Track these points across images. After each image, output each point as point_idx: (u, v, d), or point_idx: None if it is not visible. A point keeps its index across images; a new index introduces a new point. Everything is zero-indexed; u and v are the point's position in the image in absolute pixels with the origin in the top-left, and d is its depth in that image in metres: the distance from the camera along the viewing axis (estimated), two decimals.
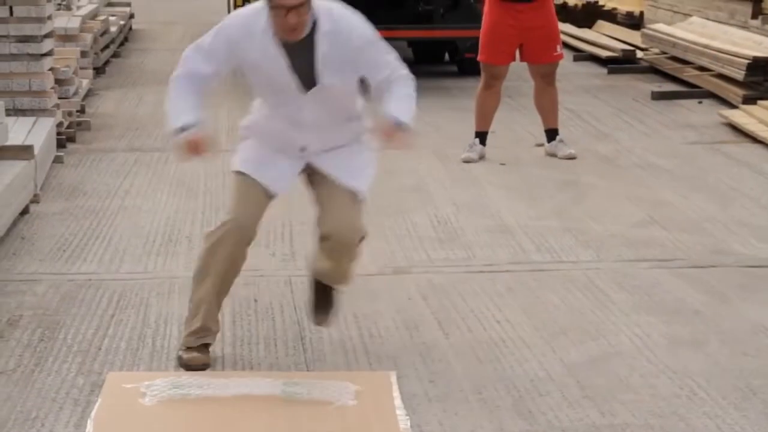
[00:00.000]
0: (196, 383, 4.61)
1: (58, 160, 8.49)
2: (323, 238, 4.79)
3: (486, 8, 8.85)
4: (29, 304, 5.62)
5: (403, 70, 4.74)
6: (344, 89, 4.72)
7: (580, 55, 13.61)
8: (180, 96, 4.70)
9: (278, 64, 4.62)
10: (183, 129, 4.62)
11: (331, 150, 4.81)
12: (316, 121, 4.75)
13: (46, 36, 8.85)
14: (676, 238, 6.73)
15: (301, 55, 4.62)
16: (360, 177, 4.82)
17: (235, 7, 12.10)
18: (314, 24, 4.58)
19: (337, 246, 4.77)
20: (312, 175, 4.87)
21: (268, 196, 4.78)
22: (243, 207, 4.73)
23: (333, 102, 4.74)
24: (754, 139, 9.16)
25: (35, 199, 7.39)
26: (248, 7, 4.69)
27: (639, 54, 12.93)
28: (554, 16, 8.89)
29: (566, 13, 15.24)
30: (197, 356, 4.82)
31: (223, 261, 4.72)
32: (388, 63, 4.71)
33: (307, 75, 4.65)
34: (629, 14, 15.03)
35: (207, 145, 4.62)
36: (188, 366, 4.80)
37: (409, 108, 4.65)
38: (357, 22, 4.68)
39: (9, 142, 7.37)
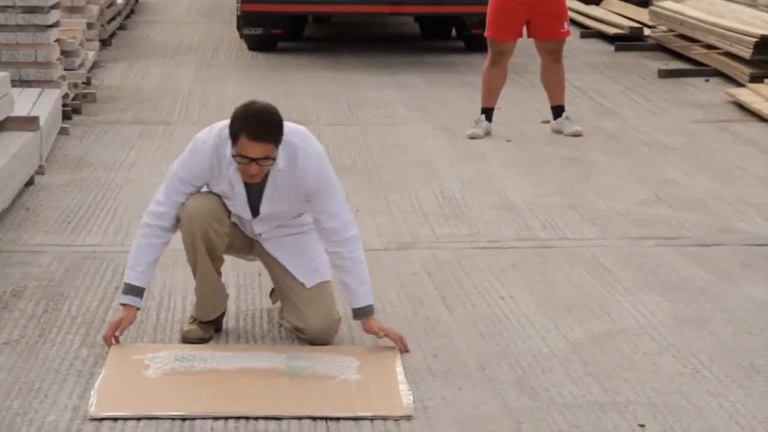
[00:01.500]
0: (199, 356, 4.62)
1: (63, 131, 8.48)
2: (298, 329, 4.88)
3: None
4: (34, 275, 5.63)
5: (351, 231, 4.78)
6: (290, 212, 4.87)
7: (587, 32, 13.57)
8: (145, 245, 4.77)
9: (238, 194, 4.73)
10: (131, 290, 4.75)
11: (285, 237, 4.91)
12: (267, 229, 4.89)
13: (53, 7, 8.82)
14: (681, 217, 6.72)
15: (255, 187, 4.72)
16: (320, 267, 4.90)
17: None
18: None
19: (316, 340, 4.85)
20: (268, 256, 4.96)
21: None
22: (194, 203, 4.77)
23: (281, 215, 4.86)
24: (761, 118, 9.13)
25: (40, 171, 7.38)
26: (215, 132, 4.69)
27: (646, 31, 12.89)
28: None
29: None
30: (194, 329, 4.85)
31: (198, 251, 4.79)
32: (337, 216, 4.75)
33: (256, 204, 4.78)
34: None
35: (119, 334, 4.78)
36: (185, 339, 4.82)
37: (367, 287, 4.82)
38: (314, 164, 4.70)
39: (14, 113, 7.36)
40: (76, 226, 6.43)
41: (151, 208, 4.78)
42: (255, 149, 4.52)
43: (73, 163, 7.77)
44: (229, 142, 4.59)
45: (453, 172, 7.72)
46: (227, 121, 4.63)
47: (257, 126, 4.51)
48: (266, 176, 4.68)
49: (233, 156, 4.57)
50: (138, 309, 4.78)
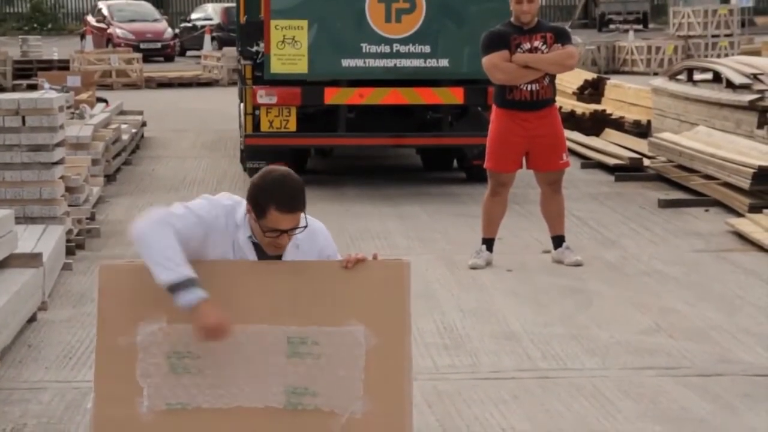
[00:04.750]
0: (194, 352, 4.36)
1: (66, 267, 8.53)
2: None
3: (492, 116, 8.94)
4: (34, 413, 5.62)
5: None
6: None
7: (588, 163, 13.69)
8: (167, 239, 4.31)
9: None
10: (187, 284, 4.28)
11: None
12: None
13: (58, 145, 8.96)
14: (682, 346, 6.73)
15: (267, 257, 4.51)
16: None
17: (246, 115, 12.25)
18: None
19: None
20: None
21: None
22: None
23: None
24: (761, 248, 9.17)
25: (43, 307, 7.41)
26: (226, 197, 4.54)
27: (646, 162, 13.01)
28: (560, 124, 8.98)
29: (574, 121, 15.38)
30: None
31: None
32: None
33: None
34: (636, 123, 15.16)
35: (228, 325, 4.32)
36: None
37: None
38: (324, 234, 4.62)
39: (18, 250, 7.43)
40: (78, 361, 6.44)
41: (172, 218, 4.39)
42: (287, 221, 4.35)
43: (75, 299, 7.81)
44: (238, 209, 4.44)
45: (454, 302, 7.75)
46: (231, 195, 4.52)
47: (288, 198, 4.34)
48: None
49: (263, 231, 4.36)
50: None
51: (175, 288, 4.26)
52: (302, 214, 4.42)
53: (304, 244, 4.51)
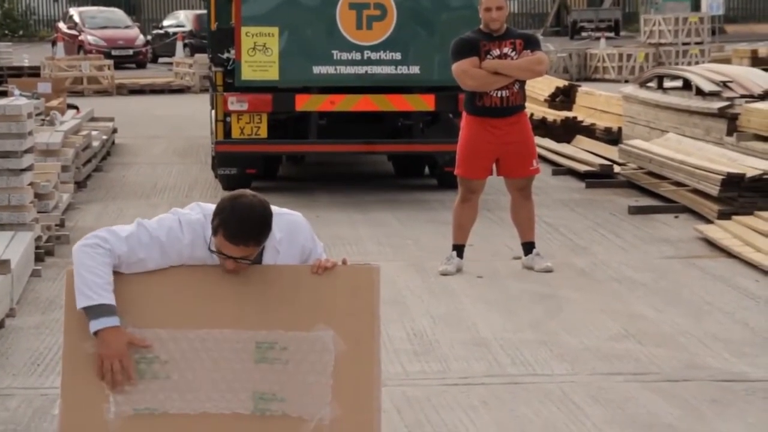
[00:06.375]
0: (162, 357, 4.33)
1: (35, 273, 8.49)
2: None
3: (463, 123, 8.96)
4: (0, 420, 5.59)
5: None
6: None
7: (559, 170, 13.73)
8: (93, 263, 4.26)
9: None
10: (104, 311, 4.23)
11: None
12: None
13: (27, 151, 8.92)
14: (650, 352, 6.75)
15: None
16: None
17: (217, 122, 12.23)
18: None
19: None
20: None
21: None
22: None
23: None
24: (729, 254, 9.21)
25: (11, 314, 7.38)
26: (192, 216, 4.40)
27: (616, 169, 13.06)
28: (530, 131, 9.00)
29: (546, 128, 15.42)
30: None
31: None
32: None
33: None
34: (607, 130, 15.21)
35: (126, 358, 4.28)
36: None
37: None
38: (305, 228, 4.52)
39: None
40: (46, 368, 6.41)
41: (112, 238, 4.31)
42: (232, 250, 4.26)
43: (44, 305, 7.77)
44: (207, 224, 4.32)
45: (424, 308, 7.75)
46: (203, 207, 4.42)
47: (238, 231, 4.22)
48: (261, 251, 4.37)
49: (210, 250, 4.32)
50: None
51: (87, 314, 4.23)
52: (255, 248, 4.30)
53: (283, 247, 4.43)
